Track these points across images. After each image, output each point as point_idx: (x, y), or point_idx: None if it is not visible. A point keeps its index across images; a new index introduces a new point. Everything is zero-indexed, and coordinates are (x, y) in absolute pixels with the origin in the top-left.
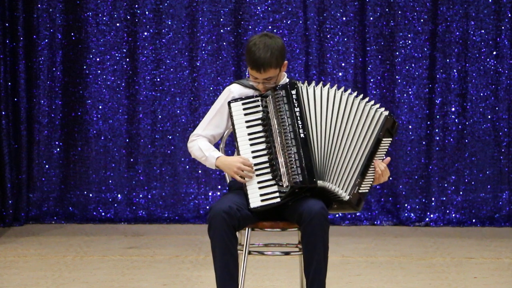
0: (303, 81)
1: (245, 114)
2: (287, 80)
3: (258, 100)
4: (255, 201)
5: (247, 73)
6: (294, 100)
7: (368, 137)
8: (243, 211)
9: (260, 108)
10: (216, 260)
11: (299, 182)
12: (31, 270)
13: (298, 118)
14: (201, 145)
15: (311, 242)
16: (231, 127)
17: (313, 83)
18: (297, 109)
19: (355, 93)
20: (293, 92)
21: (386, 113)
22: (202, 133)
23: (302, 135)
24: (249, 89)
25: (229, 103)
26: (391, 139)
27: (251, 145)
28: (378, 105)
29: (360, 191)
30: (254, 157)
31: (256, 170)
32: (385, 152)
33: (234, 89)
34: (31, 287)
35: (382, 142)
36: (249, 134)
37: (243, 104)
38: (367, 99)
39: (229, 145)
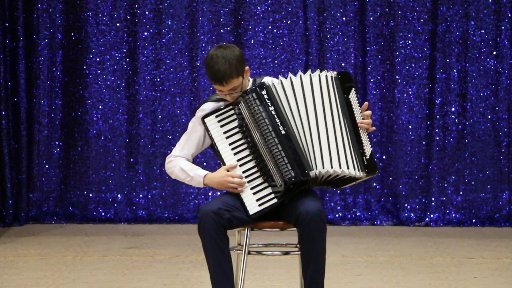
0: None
1: (221, 126)
2: (251, 84)
3: (230, 109)
4: (253, 207)
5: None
6: (266, 99)
7: (335, 105)
8: (234, 212)
9: (234, 117)
10: (208, 260)
11: (292, 178)
12: (31, 270)
13: (275, 116)
14: (182, 166)
15: (308, 244)
16: (210, 143)
17: (275, 79)
18: (271, 108)
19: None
20: (263, 92)
21: (334, 73)
22: (180, 154)
23: (283, 132)
24: (220, 102)
25: (202, 119)
26: (353, 88)
27: (235, 154)
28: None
29: (366, 157)
30: (241, 165)
31: (246, 177)
32: (358, 103)
33: (207, 107)
34: (31, 287)
35: (350, 98)
36: (230, 144)
37: (216, 116)
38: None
39: None
